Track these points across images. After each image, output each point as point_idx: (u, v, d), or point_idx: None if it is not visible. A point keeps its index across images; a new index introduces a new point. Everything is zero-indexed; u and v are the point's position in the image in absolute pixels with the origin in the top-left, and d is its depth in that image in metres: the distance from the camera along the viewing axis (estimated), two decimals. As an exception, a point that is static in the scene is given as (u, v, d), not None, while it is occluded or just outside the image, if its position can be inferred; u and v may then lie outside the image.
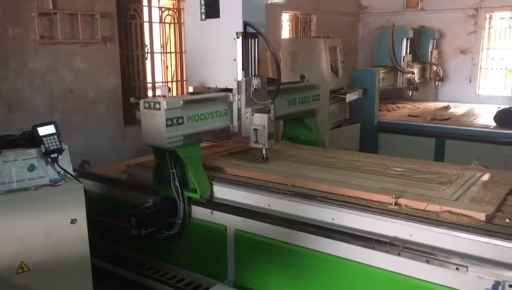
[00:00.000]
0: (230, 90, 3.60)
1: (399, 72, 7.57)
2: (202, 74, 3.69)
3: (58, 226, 2.60)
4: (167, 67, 6.00)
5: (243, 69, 3.52)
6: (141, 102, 3.24)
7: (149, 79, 5.76)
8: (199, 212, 3.41)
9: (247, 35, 3.52)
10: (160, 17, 5.84)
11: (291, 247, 3.00)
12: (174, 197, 3.36)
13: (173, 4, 6.00)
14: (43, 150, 2.72)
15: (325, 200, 3.02)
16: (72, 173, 2.80)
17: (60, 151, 2.77)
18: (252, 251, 3.20)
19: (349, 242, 2.76)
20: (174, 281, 3.50)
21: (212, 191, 3.38)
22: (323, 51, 5.96)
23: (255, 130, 3.55)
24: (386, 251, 2.62)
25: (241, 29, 3.46)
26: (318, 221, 2.94)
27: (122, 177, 3.93)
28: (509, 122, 5.94)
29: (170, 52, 5.98)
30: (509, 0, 7.79)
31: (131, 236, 3.53)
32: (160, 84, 5.92)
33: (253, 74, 3.62)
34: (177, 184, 3.32)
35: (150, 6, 5.66)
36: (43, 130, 2.76)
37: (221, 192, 3.39)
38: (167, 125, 3.12)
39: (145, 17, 5.62)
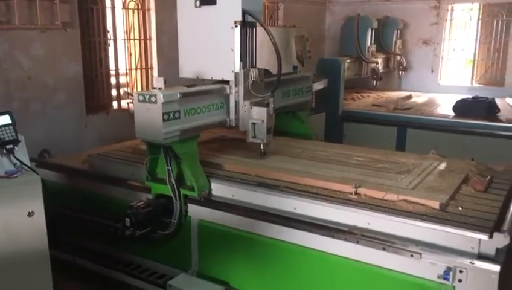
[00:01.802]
0: (227, 82, 3.43)
1: (364, 62, 7.69)
2: (196, 64, 3.49)
3: (15, 219, 2.53)
4: (131, 54, 5.87)
5: (240, 60, 3.37)
6: (135, 94, 3.07)
7: (112, 66, 5.63)
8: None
9: (245, 24, 3.35)
10: (124, 3, 5.69)
11: (255, 236, 3.03)
12: (168, 195, 3.21)
13: (137, -10, 5.87)
14: (-2, 141, 2.63)
15: (287, 190, 3.06)
16: (29, 164, 2.72)
17: (15, 142, 2.69)
18: (215, 241, 3.22)
19: (310, 231, 2.82)
20: (138, 272, 3.49)
21: (210, 189, 3.25)
22: (291, 40, 5.98)
23: (253, 124, 3.41)
24: (345, 239, 2.70)
25: (239, 18, 3.29)
26: (281, 211, 2.99)
27: (84, 168, 3.85)
28: (467, 112, 6.15)
29: (134, 39, 5.86)
30: (470, -7, 8.01)
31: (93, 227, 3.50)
32: (124, 71, 5.81)
33: (250, 65, 3.47)
34: (174, 182, 3.16)
35: (112, -8, 5.52)
36: (-3, 121, 2.66)
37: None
38: (164, 120, 2.96)
39: (108, 3, 5.47)
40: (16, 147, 2.70)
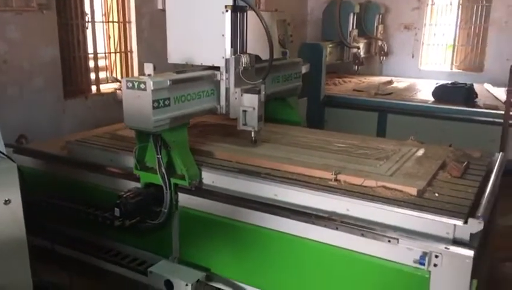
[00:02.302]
0: (217, 68, 3.36)
1: (345, 47, 7.69)
2: (186, 50, 3.39)
3: (-9, 208, 2.48)
4: (109, 37, 5.75)
5: (231, 46, 3.30)
6: (123, 81, 2.95)
7: (90, 50, 5.51)
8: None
9: (236, 9, 3.27)
10: (102, -16, 5.57)
11: (235, 223, 3.05)
12: (157, 184, 3.16)
13: (115, -30, 5.73)
14: (-29, 128, 2.56)
15: (268, 177, 3.07)
16: (4, 151, 2.66)
17: (-11, 129, 2.62)
18: (196, 228, 3.23)
19: (290, 217, 2.85)
20: (118, 258, 3.48)
21: (201, 178, 3.21)
22: (273, 25, 5.92)
23: (244, 111, 3.35)
24: (325, 226, 2.73)
25: (230, 2, 3.22)
26: (261, 197, 3.00)
27: (62, 154, 3.79)
28: (446, 97, 6.24)
29: (113, 22, 5.73)
30: (451, -22, 8.04)
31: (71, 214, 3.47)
32: (103, 54, 5.70)
33: (241, 50, 3.40)
34: (164, 170, 3.12)
35: (89, -28, 5.38)
36: (-30, 107, 2.59)
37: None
38: (153, 108, 2.87)
39: (85, -16, 5.35)
40: (-10, 134, 2.63)
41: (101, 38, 5.72)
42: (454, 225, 2.45)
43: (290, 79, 4.42)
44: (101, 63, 5.79)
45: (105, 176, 3.51)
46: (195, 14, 3.33)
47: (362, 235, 2.62)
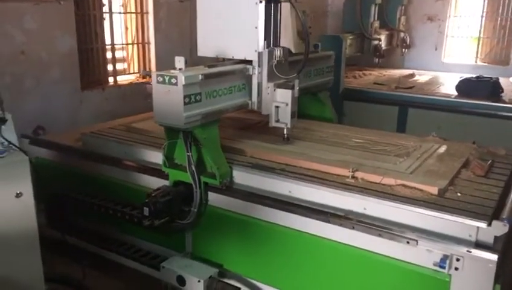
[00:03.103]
0: (249, 62, 3.20)
1: (366, 39, 7.50)
2: (216, 42, 3.24)
3: (2, 201, 2.46)
4: (127, 28, 5.72)
5: (264, 39, 3.14)
6: (153, 75, 2.82)
7: (108, 41, 5.49)
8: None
9: (270, 0, 3.13)
10: (120, -25, 5.53)
11: (249, 219, 2.99)
12: (187, 182, 3.04)
13: (134, -40, 5.69)
14: (-16, 120, 2.55)
15: (283, 173, 2.99)
16: (17, 143, 2.64)
17: (2, 121, 2.60)
18: (210, 223, 3.17)
19: (305, 215, 2.77)
20: (131, 252, 3.46)
21: (232, 177, 3.08)
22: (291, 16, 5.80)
23: (277, 107, 3.20)
24: (341, 225, 2.64)
25: None
26: (276, 194, 2.93)
27: (76, 146, 3.78)
28: (470, 92, 6.02)
29: (130, 13, 5.70)
30: (478, -32, 7.76)
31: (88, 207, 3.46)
32: (120, 45, 5.67)
33: (274, 44, 3.25)
34: (194, 169, 2.98)
35: (108, -37, 5.34)
36: (-17, 99, 2.57)
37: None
38: (185, 103, 2.76)
39: (103, -25, 5.32)
40: (3, 126, 2.62)
41: (119, 30, 5.68)
42: (477, 227, 2.34)
43: (322, 73, 4.24)
44: (119, 54, 5.76)
45: (119, 169, 3.49)
46: (227, 5, 3.18)
47: (380, 235, 2.53)
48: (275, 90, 3.21)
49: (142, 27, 5.80)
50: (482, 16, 8.39)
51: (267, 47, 3.18)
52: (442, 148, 3.42)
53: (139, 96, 5.64)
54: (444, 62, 8.55)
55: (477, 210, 2.46)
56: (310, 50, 3.35)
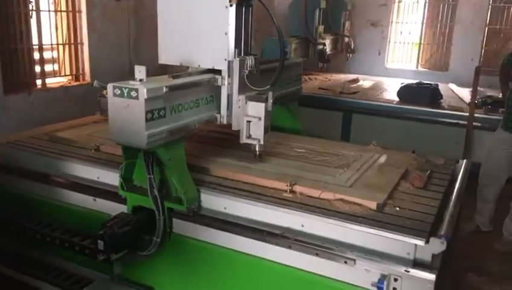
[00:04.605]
0: (217, 71, 2.85)
1: (311, 43, 7.47)
2: (180, 50, 2.87)
3: None
4: (57, 28, 5.33)
5: (235, 46, 2.80)
6: (109, 87, 2.41)
7: (35, 41, 5.08)
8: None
9: (241, 3, 2.78)
10: (48, -30, 5.14)
11: (181, 238, 2.76)
12: (148, 207, 2.68)
13: (63, -45, 5.30)
14: None
15: (218, 187, 2.80)
16: None
17: None
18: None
19: (240, 234, 2.59)
20: (52, 276, 3.14)
21: (199, 201, 2.74)
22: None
23: (248, 122, 2.87)
24: (277, 244, 2.49)
25: None
26: (210, 210, 2.73)
27: (-9, 158, 3.40)
28: (411, 98, 6.12)
29: (61, 11, 5.31)
30: (418, -24, 7.95)
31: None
32: (49, 46, 5.27)
33: (245, 52, 2.92)
34: (156, 193, 2.63)
35: (33, -44, 4.94)
36: None
37: (107, 176, 3.04)
38: (147, 120, 2.37)
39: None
40: None
41: (48, 29, 5.28)
42: (415, 245, 2.25)
43: (291, 82, 3.91)
44: (48, 55, 5.35)
45: (39, 183, 3.16)
46: (193, 8, 2.81)
47: (317, 254, 2.39)
48: (246, 103, 2.88)
49: (74, 26, 5.42)
50: (422, 23, 8.63)
51: (238, 55, 2.86)
52: (382, 158, 3.36)
53: (71, 100, 5.28)
54: (387, 67, 8.72)
55: (415, 226, 2.37)
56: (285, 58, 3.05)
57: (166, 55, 2.93)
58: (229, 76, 2.85)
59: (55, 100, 5.12)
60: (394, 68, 8.68)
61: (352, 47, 8.40)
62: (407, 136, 5.72)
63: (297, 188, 2.76)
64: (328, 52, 7.89)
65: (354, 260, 2.31)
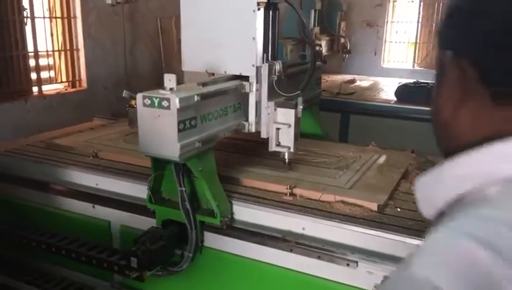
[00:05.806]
0: (245, 78, 2.74)
1: (307, 44, 7.46)
2: (206, 56, 2.72)
3: None
4: (53, 34, 5.31)
5: (263, 52, 2.69)
6: (139, 97, 2.29)
7: (30, 48, 5.06)
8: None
9: (269, 6, 2.65)
10: (42, -23, 5.12)
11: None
12: (180, 221, 2.56)
13: (58, -38, 5.29)
14: None
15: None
16: None
17: None
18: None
19: (240, 238, 2.58)
20: (52, 284, 3.11)
21: (232, 213, 2.65)
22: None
23: (278, 129, 2.77)
24: (279, 247, 2.48)
25: None
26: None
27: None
28: (408, 97, 6.10)
29: (56, 18, 5.29)
30: (413, -25, 7.97)
31: None
32: (44, 53, 5.26)
33: (273, 57, 2.78)
34: (188, 206, 2.51)
35: (28, -37, 4.93)
36: None
37: (105, 183, 3.02)
38: (179, 130, 2.27)
39: (23, -24, 4.90)
40: None
41: (44, 36, 5.26)
42: (417, 246, 2.24)
43: (312, 86, 3.80)
44: (44, 62, 5.33)
45: (37, 191, 3.14)
46: (219, 12, 2.67)
47: (319, 257, 2.38)
48: (275, 109, 2.77)
49: (69, 33, 5.41)
50: (418, 22, 8.64)
51: (266, 61, 2.73)
52: (382, 159, 3.36)
53: (67, 107, 5.26)
54: (384, 67, 8.73)
55: (416, 227, 2.36)
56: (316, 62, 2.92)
57: (191, 62, 2.79)
58: (257, 82, 2.73)
59: (51, 107, 5.10)
60: (390, 68, 8.69)
61: (348, 47, 8.37)
62: (406, 135, 5.69)
63: (298, 191, 2.74)
64: (324, 53, 7.87)
65: (356, 262, 2.30)
